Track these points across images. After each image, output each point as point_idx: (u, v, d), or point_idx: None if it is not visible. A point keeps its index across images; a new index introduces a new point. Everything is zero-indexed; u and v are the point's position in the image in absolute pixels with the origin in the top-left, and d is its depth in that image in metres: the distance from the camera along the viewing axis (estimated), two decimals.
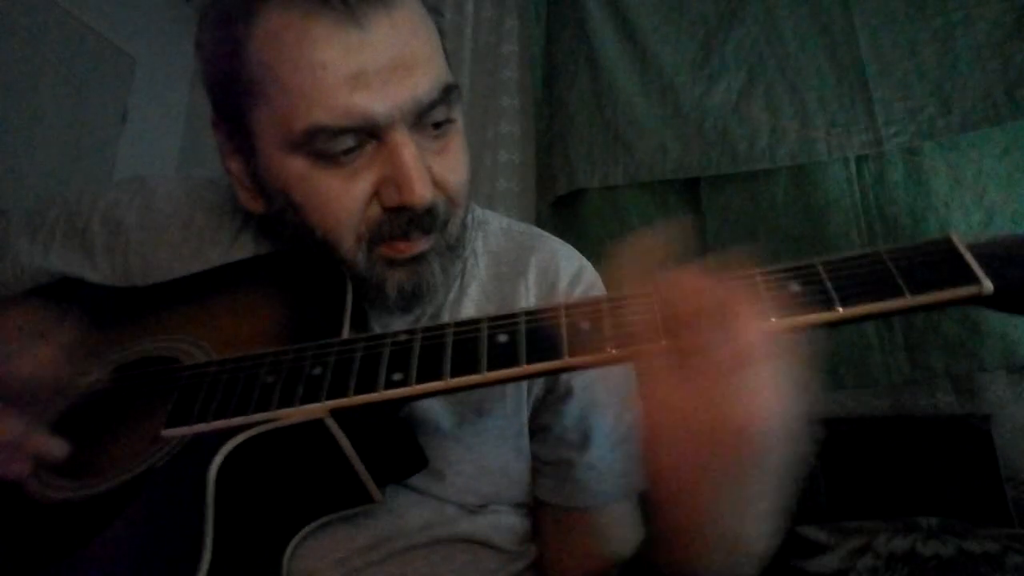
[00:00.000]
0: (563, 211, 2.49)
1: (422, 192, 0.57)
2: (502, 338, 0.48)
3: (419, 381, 0.48)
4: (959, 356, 1.89)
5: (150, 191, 0.76)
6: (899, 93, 2.06)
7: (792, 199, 2.17)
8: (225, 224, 0.74)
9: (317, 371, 0.51)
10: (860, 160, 2.10)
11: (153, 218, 0.74)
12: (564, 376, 0.68)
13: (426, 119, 0.59)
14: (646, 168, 2.33)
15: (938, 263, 0.42)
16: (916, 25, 2.09)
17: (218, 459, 0.49)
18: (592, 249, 0.79)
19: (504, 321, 0.50)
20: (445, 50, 0.65)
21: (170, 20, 2.93)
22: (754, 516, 0.44)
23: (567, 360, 0.46)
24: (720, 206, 2.26)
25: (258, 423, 0.50)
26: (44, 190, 2.45)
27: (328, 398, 0.49)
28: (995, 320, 1.86)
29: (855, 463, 1.91)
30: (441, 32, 0.65)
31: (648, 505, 0.66)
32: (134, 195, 0.75)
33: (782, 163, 2.15)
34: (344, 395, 0.49)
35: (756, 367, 0.40)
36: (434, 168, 0.61)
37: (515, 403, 0.68)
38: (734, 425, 0.40)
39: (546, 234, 0.79)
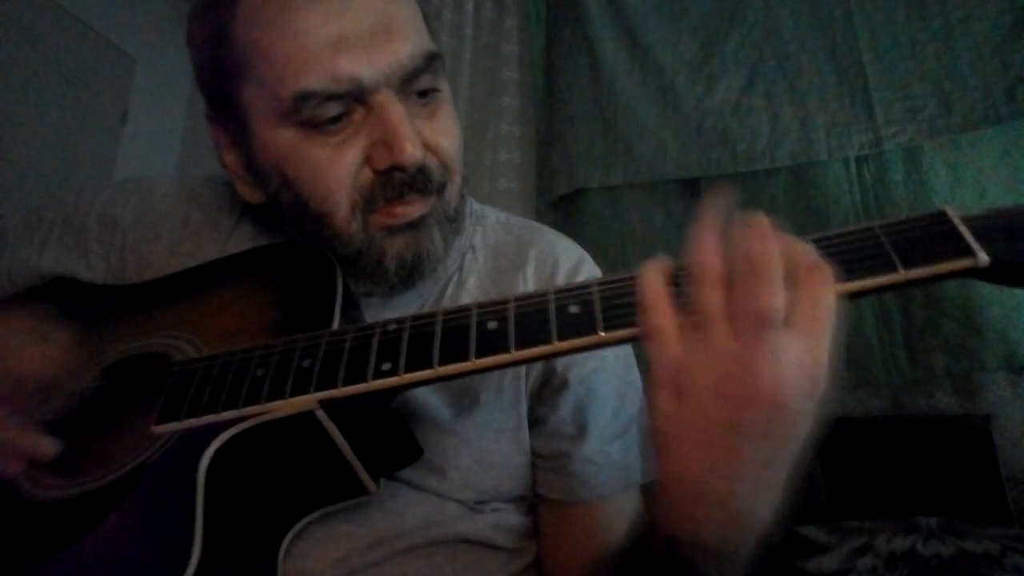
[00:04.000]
0: (563, 211, 2.48)
1: (412, 151, 0.58)
2: (491, 324, 0.47)
3: (408, 370, 0.47)
4: (959, 356, 1.88)
5: (147, 190, 0.76)
6: (899, 93, 2.06)
7: (792, 199, 2.17)
8: (221, 221, 0.74)
9: (307, 363, 0.51)
10: (860, 160, 2.10)
11: (149, 216, 0.74)
12: (560, 368, 0.68)
13: (411, 86, 0.60)
14: (646, 168, 2.32)
15: (932, 236, 0.41)
16: (916, 25, 2.09)
17: (208, 453, 0.48)
18: (592, 249, 0.79)
19: (494, 307, 0.49)
20: (431, 31, 0.66)
21: (170, 20, 2.93)
22: (766, 487, 0.44)
23: (556, 345, 0.45)
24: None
25: (248, 416, 0.50)
26: (44, 190, 2.45)
27: (317, 390, 0.49)
28: (995, 320, 1.86)
29: (855, 463, 1.90)
30: (425, 16, 0.66)
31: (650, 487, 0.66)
32: (130, 194, 0.75)
33: (782, 163, 2.15)
34: (333, 386, 0.49)
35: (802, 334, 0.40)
36: (424, 132, 0.61)
37: (512, 395, 0.67)
38: (765, 394, 0.40)
39: (545, 227, 0.79)
